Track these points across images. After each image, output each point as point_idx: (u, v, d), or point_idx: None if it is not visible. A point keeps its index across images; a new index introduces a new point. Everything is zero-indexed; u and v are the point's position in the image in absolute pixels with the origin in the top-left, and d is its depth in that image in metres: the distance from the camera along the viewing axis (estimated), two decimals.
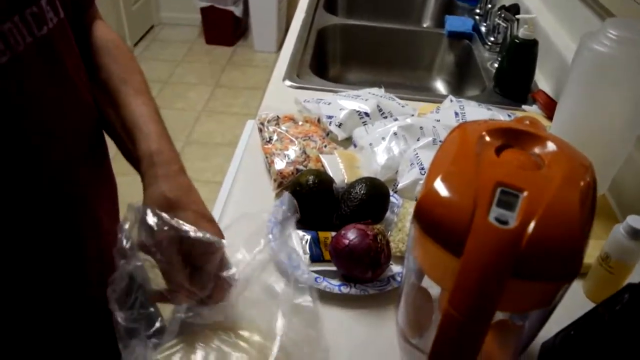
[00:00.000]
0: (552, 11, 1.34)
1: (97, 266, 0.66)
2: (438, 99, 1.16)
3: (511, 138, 0.53)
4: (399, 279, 0.72)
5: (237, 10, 3.47)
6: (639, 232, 0.67)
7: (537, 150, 0.52)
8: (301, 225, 0.78)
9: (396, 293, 0.71)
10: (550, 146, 0.52)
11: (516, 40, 1.18)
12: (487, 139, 0.52)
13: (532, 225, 0.42)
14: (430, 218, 0.46)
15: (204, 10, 3.49)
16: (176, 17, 3.85)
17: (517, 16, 1.23)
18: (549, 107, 1.12)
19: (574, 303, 0.57)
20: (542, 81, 1.25)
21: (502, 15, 1.35)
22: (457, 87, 1.48)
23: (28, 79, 0.53)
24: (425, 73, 1.56)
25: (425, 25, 1.85)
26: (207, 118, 2.93)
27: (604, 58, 0.79)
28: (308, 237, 0.76)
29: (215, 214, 0.84)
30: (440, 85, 1.54)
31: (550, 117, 1.12)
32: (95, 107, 0.66)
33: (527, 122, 0.59)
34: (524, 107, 1.17)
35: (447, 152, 0.52)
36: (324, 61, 1.50)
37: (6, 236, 0.55)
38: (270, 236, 0.76)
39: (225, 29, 3.56)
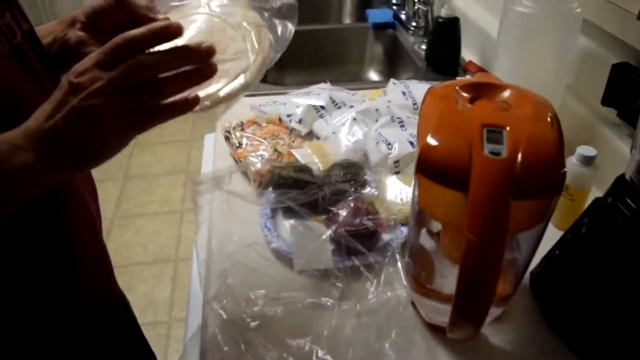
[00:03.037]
0: None
1: (94, 267, 0.69)
2: (381, 84, 1.23)
3: (478, 91, 0.60)
4: (394, 244, 0.78)
5: None
6: (590, 158, 0.76)
7: (502, 96, 0.60)
8: (291, 215, 0.82)
9: (393, 259, 0.77)
10: (512, 92, 0.60)
11: (440, 20, 1.28)
12: (460, 93, 0.59)
13: (520, 153, 0.50)
14: (434, 166, 0.52)
15: None
16: None
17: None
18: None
19: (548, 239, 0.64)
20: (468, 54, 1.36)
21: (421, 0, 1.45)
22: (390, 74, 1.57)
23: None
24: (357, 66, 1.64)
25: (346, 22, 1.94)
26: (139, 152, 2.90)
27: (528, 17, 0.89)
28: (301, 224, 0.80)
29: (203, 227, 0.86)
30: (374, 75, 1.63)
31: None
32: None
33: (484, 79, 0.67)
34: (458, 78, 1.27)
35: (429, 112, 0.59)
36: None
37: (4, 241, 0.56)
38: (265, 229, 0.80)
39: None
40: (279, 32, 0.66)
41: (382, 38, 1.61)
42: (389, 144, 0.91)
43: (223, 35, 0.63)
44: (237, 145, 0.96)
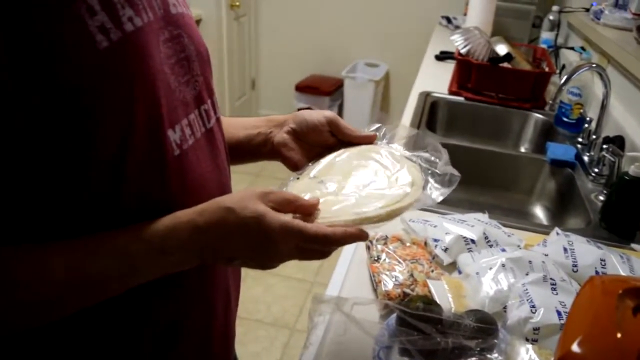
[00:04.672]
0: None
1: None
2: (542, 229, 1.16)
3: None
4: None
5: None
6: None
7: None
8: (406, 355, 0.78)
9: None
10: None
11: (626, 177, 1.18)
12: (624, 298, 0.53)
13: None
14: None
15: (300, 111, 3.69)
16: (272, 114, 4.09)
17: (628, 154, 1.23)
18: None
19: None
20: None
21: (610, 149, 1.35)
22: (557, 215, 1.47)
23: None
24: (523, 197, 1.57)
25: (523, 150, 1.87)
26: None
27: None
28: None
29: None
30: (539, 211, 1.54)
31: None
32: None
33: None
34: (633, 245, 1.14)
35: (584, 307, 0.53)
36: None
37: None
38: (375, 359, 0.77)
39: None
40: (429, 196, 0.70)
41: (557, 175, 1.52)
42: (533, 306, 0.84)
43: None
44: (376, 258, 0.95)
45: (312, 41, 3.81)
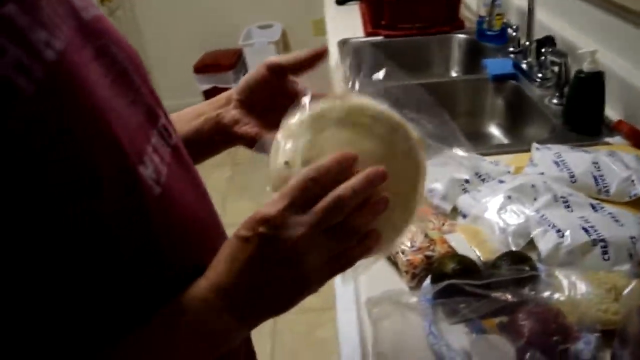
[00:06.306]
0: (597, 40, 1.33)
1: None
2: (513, 147, 1.15)
3: None
4: (584, 357, 0.66)
5: None
6: None
7: None
8: (455, 315, 0.72)
9: None
10: None
11: (581, 75, 1.16)
12: None
13: None
14: None
15: (206, 93, 3.51)
16: (178, 104, 3.85)
17: (579, 52, 1.22)
18: (635, 136, 1.10)
19: None
20: (611, 112, 1.23)
21: (552, 51, 1.34)
22: (515, 129, 1.46)
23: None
24: (475, 121, 1.54)
25: (454, 74, 1.85)
26: (234, 197, 2.90)
27: None
28: (473, 332, 0.70)
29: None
30: (495, 130, 1.52)
31: (636, 145, 1.09)
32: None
33: None
34: (607, 139, 1.14)
35: None
36: None
37: None
38: (431, 338, 0.71)
39: None
40: None
41: (502, 90, 1.50)
42: (558, 230, 0.80)
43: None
44: None
45: (197, 18, 3.59)
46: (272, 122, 0.63)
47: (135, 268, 0.44)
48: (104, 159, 0.40)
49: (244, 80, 0.69)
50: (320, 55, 0.65)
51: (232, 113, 0.68)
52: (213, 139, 0.70)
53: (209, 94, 3.48)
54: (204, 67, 3.49)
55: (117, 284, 0.42)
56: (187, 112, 0.72)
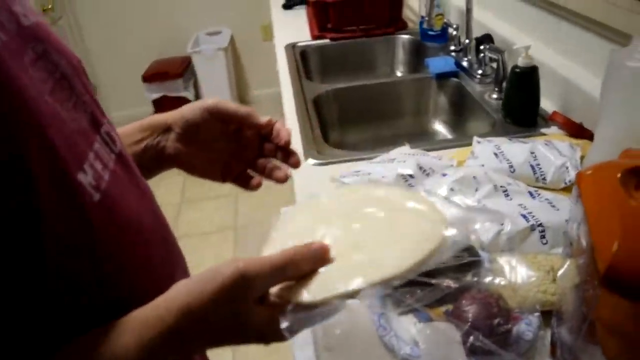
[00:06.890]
0: (533, 36, 1.39)
1: None
2: (457, 142, 1.18)
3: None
4: (526, 337, 0.70)
5: (190, 95, 3.47)
6: None
7: None
8: (400, 305, 0.75)
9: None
10: None
11: (517, 70, 1.21)
12: (625, 183, 0.52)
13: None
14: (631, 282, 0.44)
15: (156, 102, 3.46)
16: (128, 114, 3.79)
17: (514, 47, 1.27)
18: (569, 125, 1.15)
19: None
20: (547, 103, 1.28)
21: (489, 48, 1.39)
22: (459, 125, 1.50)
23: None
24: (421, 119, 1.58)
25: (399, 74, 1.89)
26: (187, 208, 2.87)
27: None
28: (420, 322, 0.73)
29: None
30: (440, 127, 1.56)
31: (573, 135, 1.15)
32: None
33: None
34: (543, 130, 1.19)
35: (598, 208, 0.51)
36: (324, 129, 1.49)
37: None
38: (381, 330, 0.72)
39: None
40: None
41: (445, 87, 1.55)
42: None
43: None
44: None
45: (143, 27, 3.54)
46: (219, 152, 0.71)
47: (77, 270, 0.44)
48: (38, 160, 0.40)
49: (183, 118, 0.70)
50: (268, 127, 0.70)
51: (175, 145, 0.70)
52: (153, 165, 0.71)
53: (158, 103, 3.45)
54: (152, 76, 3.44)
55: (58, 283, 0.43)
56: (127, 134, 0.71)
